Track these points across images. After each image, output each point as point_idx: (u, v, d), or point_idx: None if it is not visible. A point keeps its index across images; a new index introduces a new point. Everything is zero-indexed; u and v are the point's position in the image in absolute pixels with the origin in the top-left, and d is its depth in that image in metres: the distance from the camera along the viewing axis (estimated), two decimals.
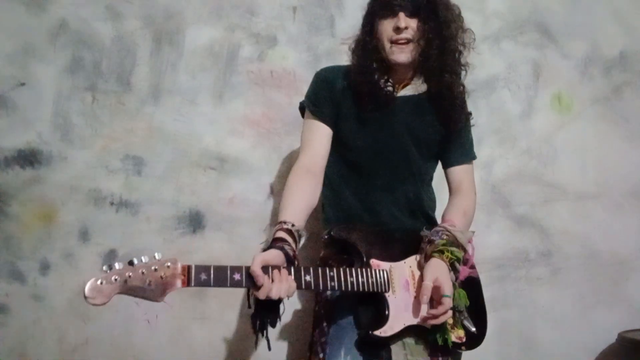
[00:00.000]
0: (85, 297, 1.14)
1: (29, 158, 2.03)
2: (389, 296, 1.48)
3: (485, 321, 1.65)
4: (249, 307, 1.37)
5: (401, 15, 1.54)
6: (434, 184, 1.81)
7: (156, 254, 1.20)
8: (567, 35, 2.45)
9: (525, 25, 2.42)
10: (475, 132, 2.32)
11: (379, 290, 1.47)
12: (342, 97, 1.63)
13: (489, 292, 2.28)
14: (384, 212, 1.65)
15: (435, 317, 1.47)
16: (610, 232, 2.46)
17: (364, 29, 1.62)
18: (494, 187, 2.38)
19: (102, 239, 2.07)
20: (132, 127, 2.10)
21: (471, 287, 1.64)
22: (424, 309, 1.50)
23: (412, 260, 1.57)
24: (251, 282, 1.27)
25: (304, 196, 1.54)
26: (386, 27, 1.56)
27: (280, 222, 1.44)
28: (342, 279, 1.40)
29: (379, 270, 1.49)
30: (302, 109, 1.70)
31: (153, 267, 1.19)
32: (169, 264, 1.20)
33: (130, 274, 1.16)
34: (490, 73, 2.37)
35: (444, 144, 1.70)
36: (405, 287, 1.52)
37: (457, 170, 1.74)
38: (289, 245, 1.38)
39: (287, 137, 2.17)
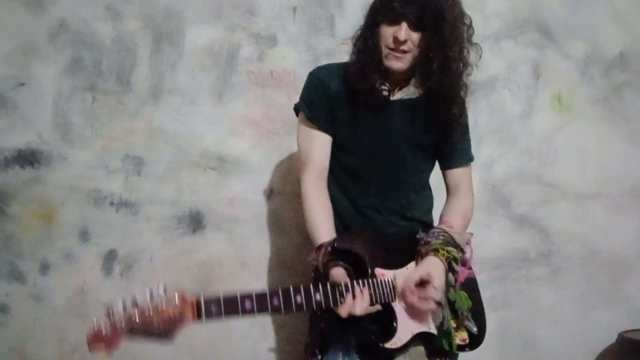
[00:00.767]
0: (89, 348, 1.06)
1: (29, 158, 2.03)
2: (396, 306, 1.45)
3: (484, 321, 1.64)
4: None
5: (403, 25, 1.45)
6: (435, 183, 1.80)
7: (161, 287, 1.13)
8: (567, 35, 2.45)
9: (525, 25, 2.42)
10: (475, 132, 2.32)
11: (386, 301, 1.44)
12: (337, 100, 1.58)
13: (489, 292, 2.31)
14: (378, 217, 1.63)
15: (418, 298, 1.44)
16: (610, 232, 2.46)
17: (366, 23, 1.54)
18: (494, 187, 2.38)
19: (102, 239, 2.07)
20: (132, 127, 2.10)
21: (469, 287, 1.63)
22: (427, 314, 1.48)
23: (413, 266, 1.54)
24: (333, 300, 1.29)
25: (327, 210, 1.55)
26: (387, 33, 1.48)
27: (324, 245, 1.46)
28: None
29: (384, 280, 1.46)
30: (297, 110, 1.67)
31: (160, 307, 1.11)
32: (176, 301, 1.13)
33: (137, 319, 1.08)
34: (490, 73, 2.37)
35: (441, 146, 1.66)
36: (406, 284, 1.48)
37: (455, 173, 1.71)
38: (344, 264, 1.40)
39: (287, 137, 2.17)
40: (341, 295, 1.34)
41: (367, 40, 1.52)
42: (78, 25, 2.06)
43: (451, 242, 1.54)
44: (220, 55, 2.15)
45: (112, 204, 2.08)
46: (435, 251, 1.51)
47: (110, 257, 2.07)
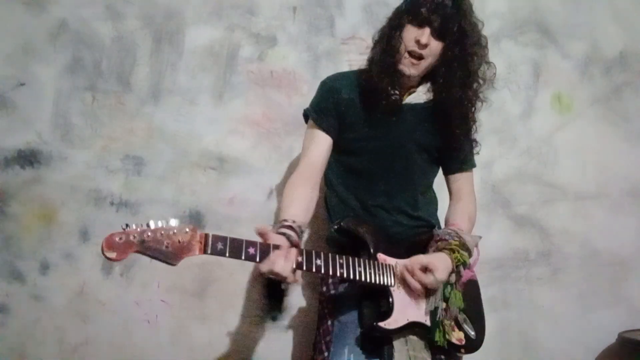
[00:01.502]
0: (103, 251, 1.16)
1: (29, 158, 2.03)
2: (394, 290, 1.50)
3: (483, 325, 1.67)
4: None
5: (427, 30, 1.53)
6: (436, 183, 1.81)
7: (172, 220, 1.22)
8: (567, 35, 2.45)
9: (525, 25, 2.42)
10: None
11: (385, 283, 1.48)
12: (347, 106, 1.63)
13: (489, 292, 2.30)
14: (386, 217, 1.65)
15: (414, 279, 1.48)
16: (610, 232, 2.46)
17: (391, 24, 1.60)
18: (494, 187, 2.38)
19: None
20: (132, 127, 2.10)
21: (470, 289, 1.66)
22: (424, 304, 1.52)
23: None
24: (262, 256, 1.30)
25: (302, 200, 1.56)
26: (410, 35, 1.55)
27: (281, 221, 1.46)
28: (351, 267, 1.43)
29: (386, 265, 1.51)
30: (306, 115, 1.71)
31: (172, 231, 1.20)
32: (187, 229, 1.22)
33: (149, 234, 1.18)
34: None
35: (444, 151, 1.71)
36: (408, 285, 1.52)
37: (457, 178, 1.77)
38: (292, 236, 1.40)
39: (287, 137, 2.17)
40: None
41: (390, 40, 1.57)
42: (78, 25, 2.06)
43: (464, 245, 1.58)
44: (220, 55, 2.15)
45: (112, 204, 2.08)
46: (452, 251, 1.55)
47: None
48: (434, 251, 1.58)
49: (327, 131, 1.65)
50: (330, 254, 1.40)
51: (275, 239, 1.35)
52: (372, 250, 1.52)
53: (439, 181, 1.82)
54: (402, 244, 1.60)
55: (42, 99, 2.04)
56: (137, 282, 2.08)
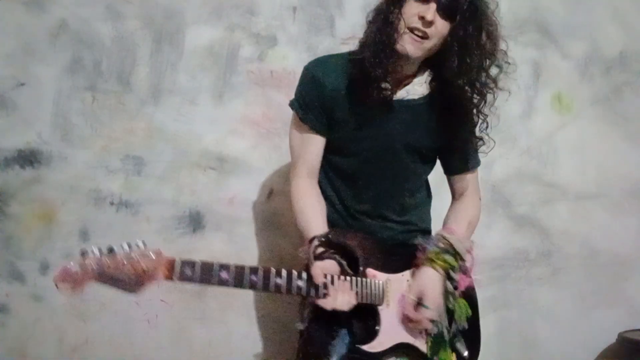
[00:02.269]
0: (56, 286, 1.05)
1: (29, 158, 2.03)
2: (382, 310, 1.41)
3: (478, 347, 1.58)
4: (302, 320, 1.36)
5: (432, 6, 1.32)
6: (436, 182, 1.77)
7: (139, 242, 1.14)
8: (567, 35, 2.44)
9: (525, 25, 2.42)
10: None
11: (372, 303, 1.40)
12: (334, 99, 1.47)
13: (489, 292, 2.31)
14: (372, 224, 1.56)
15: (413, 321, 1.41)
16: (610, 232, 2.46)
17: None
18: (494, 187, 2.38)
19: (102, 239, 2.05)
20: (132, 127, 2.09)
21: (468, 302, 1.57)
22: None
23: (408, 274, 1.50)
24: (314, 291, 1.26)
25: (318, 207, 1.50)
26: (412, 10, 1.33)
27: (314, 238, 1.40)
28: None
29: (375, 282, 1.41)
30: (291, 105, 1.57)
31: (134, 257, 1.11)
32: (152, 254, 1.13)
33: (109, 262, 1.08)
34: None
35: (445, 152, 1.59)
36: (401, 303, 1.44)
37: (460, 179, 1.63)
38: (337, 258, 1.36)
39: (287, 137, 2.11)
40: (324, 287, 1.30)
41: (388, 17, 1.36)
42: (78, 25, 2.06)
43: (449, 249, 1.48)
44: (220, 55, 2.15)
45: (112, 204, 2.08)
46: (430, 261, 1.46)
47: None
48: (416, 267, 1.48)
49: (317, 131, 1.51)
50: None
51: (329, 266, 1.30)
52: (360, 268, 1.39)
53: (440, 179, 1.76)
54: (393, 251, 1.51)
55: (42, 99, 2.04)
56: None
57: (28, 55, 2.03)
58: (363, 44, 1.41)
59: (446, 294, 1.47)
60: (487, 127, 1.52)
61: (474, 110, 1.46)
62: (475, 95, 1.43)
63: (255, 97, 2.17)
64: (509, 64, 1.45)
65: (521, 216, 2.40)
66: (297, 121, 1.54)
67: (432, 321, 1.43)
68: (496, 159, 2.38)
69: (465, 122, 1.49)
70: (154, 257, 1.13)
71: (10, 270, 2.02)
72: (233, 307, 2.15)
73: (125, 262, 1.09)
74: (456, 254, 1.48)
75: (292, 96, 1.56)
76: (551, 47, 2.44)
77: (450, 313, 1.50)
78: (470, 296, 1.59)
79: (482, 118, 1.49)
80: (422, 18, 1.32)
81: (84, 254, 1.08)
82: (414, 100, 1.48)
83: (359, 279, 1.38)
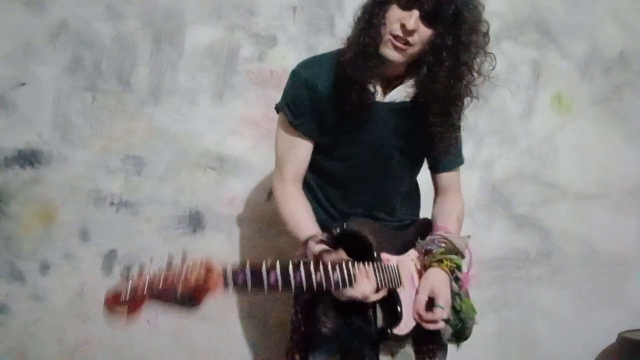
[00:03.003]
0: (108, 315, 1.01)
1: (29, 158, 2.03)
2: (401, 292, 1.42)
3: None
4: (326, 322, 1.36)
5: (414, 14, 1.29)
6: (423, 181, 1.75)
7: (187, 255, 1.09)
8: (567, 35, 2.45)
9: (525, 25, 2.42)
10: (475, 132, 2.33)
11: (393, 286, 1.40)
12: (324, 103, 1.44)
13: (489, 292, 2.31)
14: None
15: (426, 321, 1.42)
16: (610, 232, 2.47)
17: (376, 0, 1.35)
18: (494, 187, 2.38)
19: (102, 239, 2.07)
20: (132, 127, 2.10)
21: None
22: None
23: (414, 253, 1.53)
24: (347, 281, 1.24)
25: (307, 209, 1.50)
26: (394, 16, 1.31)
27: (310, 237, 1.40)
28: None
29: (390, 265, 1.42)
30: (278, 109, 1.57)
31: (184, 274, 1.06)
32: (200, 270, 1.08)
33: (159, 284, 1.04)
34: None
35: (430, 152, 1.57)
36: (412, 282, 1.47)
37: (444, 177, 1.64)
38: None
39: None
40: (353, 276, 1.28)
41: (372, 18, 1.34)
42: (78, 25, 2.06)
43: (453, 249, 1.49)
44: (220, 55, 2.15)
45: (112, 204, 2.08)
46: (439, 262, 1.46)
47: (110, 257, 2.07)
48: (424, 269, 1.49)
49: (306, 136, 1.49)
50: (343, 263, 1.30)
51: (343, 258, 1.28)
52: (375, 254, 1.39)
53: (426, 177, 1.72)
54: (394, 234, 1.54)
55: (42, 99, 2.04)
56: None
57: (28, 55, 2.03)
58: (348, 44, 1.40)
59: (452, 294, 1.48)
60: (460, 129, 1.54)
61: (454, 112, 1.45)
62: (452, 99, 1.41)
63: (255, 97, 2.17)
64: (494, 67, 1.47)
65: (521, 216, 2.40)
66: (286, 125, 1.52)
67: (446, 321, 1.45)
68: (496, 159, 2.39)
69: (444, 123, 1.46)
70: (202, 272, 1.08)
71: (10, 270, 2.02)
72: (233, 308, 2.15)
73: (174, 280, 1.06)
74: (458, 253, 1.51)
75: None
76: (551, 47, 2.44)
77: (457, 313, 1.50)
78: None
79: (459, 120, 1.49)
80: (403, 26, 1.31)
81: (128, 278, 1.06)
82: (402, 102, 1.46)
83: (378, 264, 1.38)
